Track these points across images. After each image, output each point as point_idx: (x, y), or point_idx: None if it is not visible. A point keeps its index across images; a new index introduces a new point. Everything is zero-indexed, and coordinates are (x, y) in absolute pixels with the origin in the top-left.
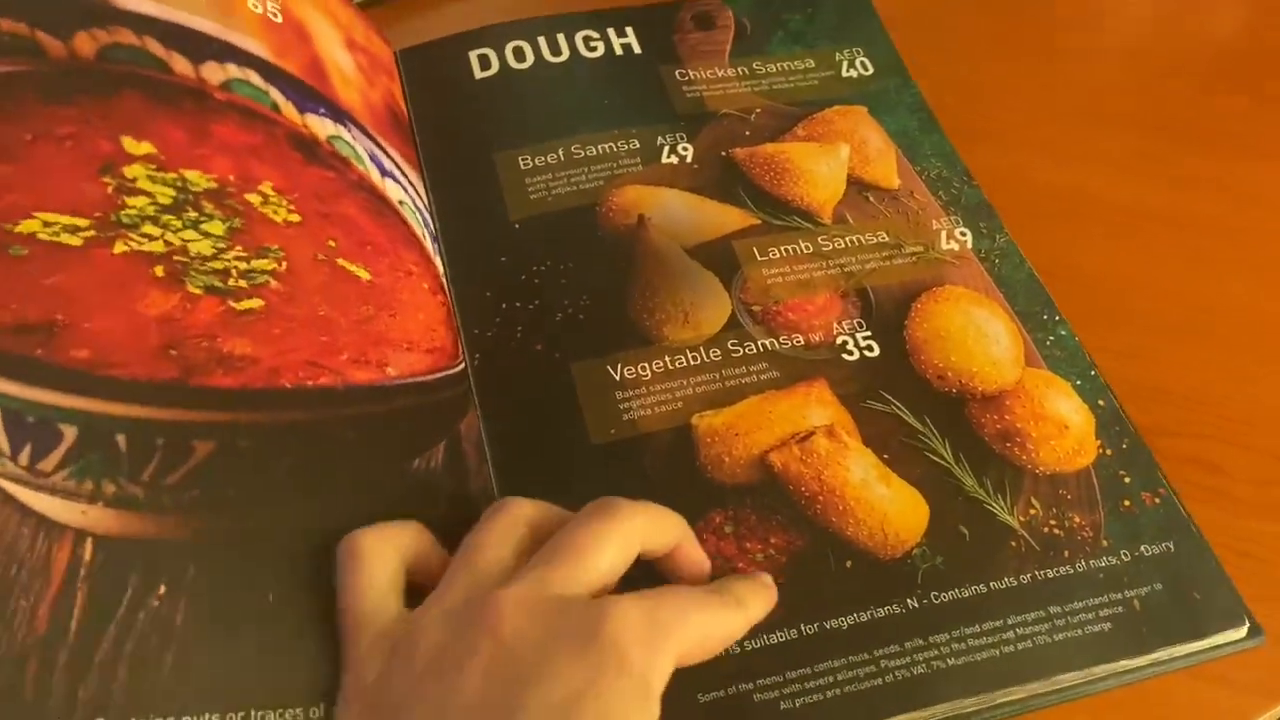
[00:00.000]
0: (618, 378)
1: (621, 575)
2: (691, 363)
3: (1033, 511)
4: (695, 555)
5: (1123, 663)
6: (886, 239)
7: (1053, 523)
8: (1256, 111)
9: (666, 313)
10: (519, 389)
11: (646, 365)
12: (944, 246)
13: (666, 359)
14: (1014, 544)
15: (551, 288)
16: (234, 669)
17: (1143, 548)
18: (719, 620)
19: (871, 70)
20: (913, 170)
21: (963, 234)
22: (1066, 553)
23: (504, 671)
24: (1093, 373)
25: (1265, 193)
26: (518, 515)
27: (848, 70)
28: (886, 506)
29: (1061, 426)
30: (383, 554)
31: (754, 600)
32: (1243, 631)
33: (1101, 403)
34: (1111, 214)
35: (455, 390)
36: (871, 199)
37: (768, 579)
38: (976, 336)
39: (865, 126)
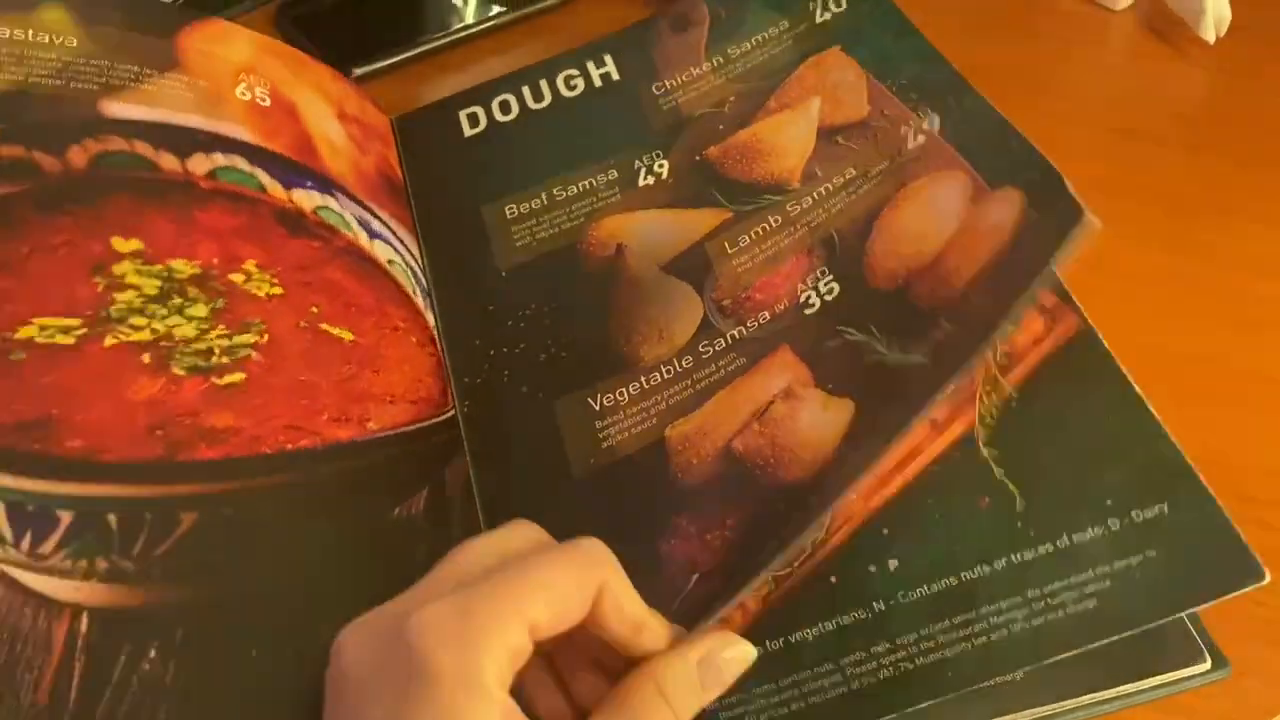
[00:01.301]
0: (597, 408)
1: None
2: (665, 377)
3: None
4: (629, 610)
5: (1089, 696)
6: (853, 173)
7: None
8: (1222, 172)
9: (642, 334)
10: (506, 432)
11: (624, 390)
12: (911, 145)
13: (642, 379)
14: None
15: (536, 330)
16: None
17: None
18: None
19: (844, 5)
20: (883, 88)
21: (930, 123)
22: None
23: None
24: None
25: (1225, 251)
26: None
27: (821, 14)
28: (821, 431)
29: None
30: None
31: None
32: (1207, 664)
33: None
34: (1080, 272)
35: (441, 438)
36: (840, 139)
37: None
38: (928, 215)
39: (837, 70)
